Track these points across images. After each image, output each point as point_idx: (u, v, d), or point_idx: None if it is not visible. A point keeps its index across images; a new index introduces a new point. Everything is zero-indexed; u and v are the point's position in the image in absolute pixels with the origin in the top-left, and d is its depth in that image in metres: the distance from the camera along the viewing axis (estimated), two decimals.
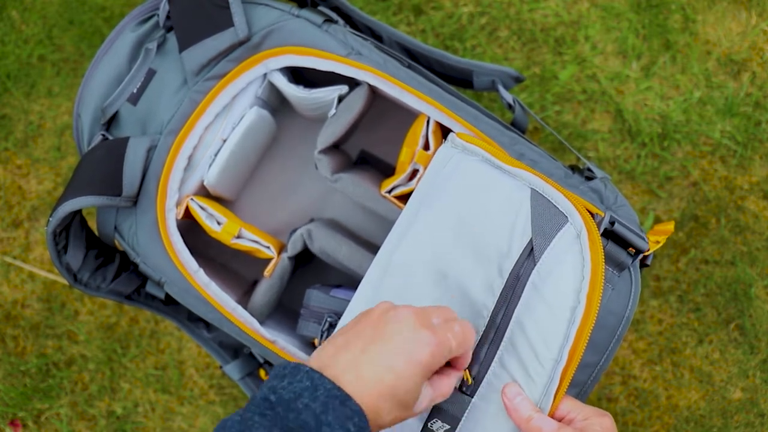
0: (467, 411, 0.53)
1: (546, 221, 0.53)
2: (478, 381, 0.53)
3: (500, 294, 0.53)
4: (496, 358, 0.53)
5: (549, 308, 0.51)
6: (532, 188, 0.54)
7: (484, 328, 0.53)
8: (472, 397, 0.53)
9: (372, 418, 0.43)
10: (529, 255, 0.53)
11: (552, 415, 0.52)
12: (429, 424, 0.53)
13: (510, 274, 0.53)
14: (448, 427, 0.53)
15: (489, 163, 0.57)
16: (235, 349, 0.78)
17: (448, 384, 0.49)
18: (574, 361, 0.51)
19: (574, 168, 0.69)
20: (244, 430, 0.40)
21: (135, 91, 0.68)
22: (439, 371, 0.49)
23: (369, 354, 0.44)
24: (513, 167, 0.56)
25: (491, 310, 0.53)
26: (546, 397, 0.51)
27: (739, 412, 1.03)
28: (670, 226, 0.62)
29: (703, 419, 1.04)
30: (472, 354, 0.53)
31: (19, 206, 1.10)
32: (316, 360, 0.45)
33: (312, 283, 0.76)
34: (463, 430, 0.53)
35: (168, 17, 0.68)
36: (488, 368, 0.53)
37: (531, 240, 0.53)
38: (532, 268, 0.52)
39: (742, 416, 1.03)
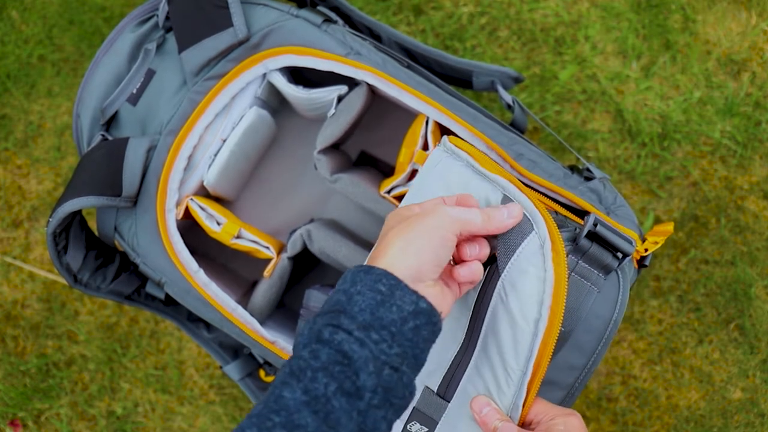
0: (444, 415, 0.54)
1: (510, 231, 0.52)
2: (453, 386, 0.54)
3: (474, 305, 0.53)
4: (471, 364, 0.53)
5: (513, 321, 0.51)
6: (504, 194, 0.54)
7: (462, 339, 0.54)
8: (449, 402, 0.54)
9: (408, 274, 0.45)
10: (494, 266, 0.53)
11: (523, 421, 0.52)
12: (408, 426, 0.55)
13: (481, 286, 0.53)
14: (426, 429, 0.54)
15: (471, 168, 0.57)
16: (235, 349, 0.78)
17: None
18: (539, 373, 0.51)
19: (573, 168, 0.69)
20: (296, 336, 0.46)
21: (134, 91, 0.68)
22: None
23: (388, 244, 0.48)
24: (492, 173, 0.56)
25: (468, 321, 0.54)
26: (515, 406, 0.52)
27: (739, 412, 1.03)
28: (670, 227, 0.62)
29: (703, 419, 1.04)
30: (452, 360, 0.54)
31: (19, 206, 1.10)
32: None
33: (312, 283, 0.76)
34: None
35: (167, 18, 0.68)
36: (463, 374, 0.53)
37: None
38: (498, 280, 0.52)
39: (742, 416, 1.03)
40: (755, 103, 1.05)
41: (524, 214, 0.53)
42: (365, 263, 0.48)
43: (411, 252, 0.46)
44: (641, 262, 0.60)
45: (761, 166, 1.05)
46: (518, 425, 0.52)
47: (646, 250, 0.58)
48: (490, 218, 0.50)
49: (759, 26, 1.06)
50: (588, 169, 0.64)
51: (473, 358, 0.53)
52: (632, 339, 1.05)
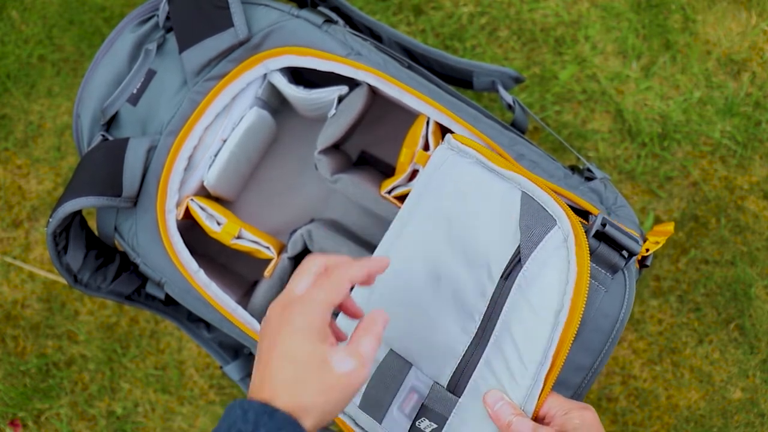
0: (454, 410, 0.53)
1: (535, 224, 0.53)
2: (464, 381, 0.53)
3: (491, 297, 0.53)
4: (482, 359, 0.53)
5: (533, 311, 0.52)
6: (522, 191, 0.54)
7: (474, 332, 0.54)
8: (459, 397, 0.54)
9: (301, 414, 0.42)
10: (518, 258, 0.53)
11: (535, 415, 0.52)
12: (417, 423, 0.54)
13: (500, 278, 0.53)
14: (435, 426, 0.54)
15: (481, 165, 0.57)
16: (236, 349, 0.78)
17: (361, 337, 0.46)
18: (558, 363, 0.51)
19: (574, 168, 0.69)
20: None
21: (135, 91, 0.68)
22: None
23: (269, 360, 0.44)
24: (505, 170, 0.56)
25: (482, 314, 0.54)
26: (530, 398, 0.51)
27: (739, 412, 1.03)
28: (670, 227, 0.62)
29: (703, 419, 1.04)
30: (463, 355, 0.53)
31: (19, 206, 1.10)
32: (248, 392, 0.45)
33: None
34: (449, 429, 0.53)
35: (168, 18, 0.68)
36: (474, 368, 0.53)
37: (519, 244, 0.53)
38: (519, 271, 0.52)
39: (742, 416, 1.03)
40: (755, 103, 1.05)
41: (545, 209, 0.53)
42: (253, 385, 0.44)
43: (291, 373, 0.42)
44: (642, 262, 0.60)
45: (761, 166, 1.05)
46: (531, 419, 0.51)
47: (647, 250, 0.58)
48: (369, 275, 0.47)
49: (759, 26, 1.06)
50: (589, 169, 0.65)
51: (486, 351, 0.53)
52: (632, 339, 1.05)
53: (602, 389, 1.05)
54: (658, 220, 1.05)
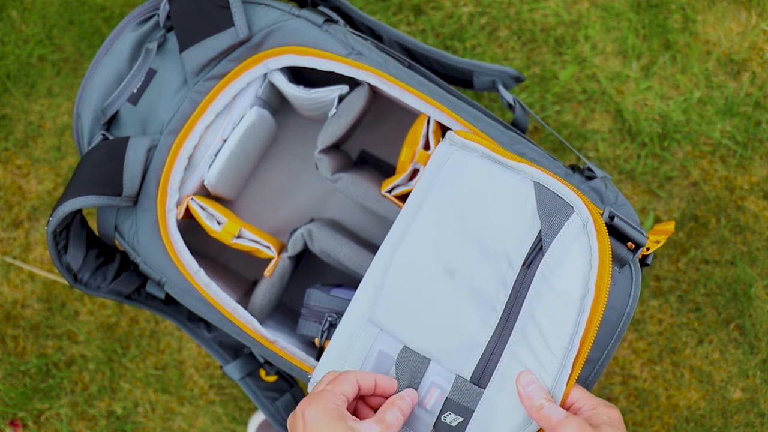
0: (480, 402, 0.53)
1: (553, 212, 0.53)
2: (489, 372, 0.53)
3: (512, 287, 0.54)
4: (506, 350, 0.53)
5: (559, 298, 0.52)
6: (535, 181, 0.55)
7: (497, 322, 0.54)
8: (485, 389, 0.53)
9: None
10: (538, 246, 0.53)
11: (563, 403, 0.52)
12: (442, 417, 0.54)
13: (522, 266, 0.53)
14: (461, 419, 0.54)
15: (489, 158, 0.57)
16: (236, 348, 0.78)
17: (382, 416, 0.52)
18: (585, 348, 0.52)
19: (574, 168, 0.69)
20: None
21: (135, 90, 0.68)
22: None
23: None
24: (514, 161, 0.56)
25: (504, 303, 0.54)
26: (558, 385, 0.52)
27: (739, 412, 1.03)
28: (671, 226, 0.62)
29: (703, 419, 1.04)
30: (486, 346, 0.54)
31: (19, 206, 1.10)
32: None
33: (312, 282, 0.76)
34: (476, 421, 0.53)
35: (168, 17, 0.68)
36: (499, 359, 0.53)
37: (540, 231, 0.53)
38: (541, 259, 0.52)
39: (742, 416, 1.03)
40: (755, 103, 1.05)
41: (561, 197, 0.53)
42: None
43: None
44: (643, 261, 0.60)
45: (761, 166, 1.05)
46: (559, 406, 0.52)
47: (648, 248, 0.58)
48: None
49: (759, 26, 1.06)
50: (589, 169, 0.65)
51: (510, 341, 0.53)
52: (632, 339, 1.05)
53: (602, 389, 1.05)
54: (658, 220, 1.05)
